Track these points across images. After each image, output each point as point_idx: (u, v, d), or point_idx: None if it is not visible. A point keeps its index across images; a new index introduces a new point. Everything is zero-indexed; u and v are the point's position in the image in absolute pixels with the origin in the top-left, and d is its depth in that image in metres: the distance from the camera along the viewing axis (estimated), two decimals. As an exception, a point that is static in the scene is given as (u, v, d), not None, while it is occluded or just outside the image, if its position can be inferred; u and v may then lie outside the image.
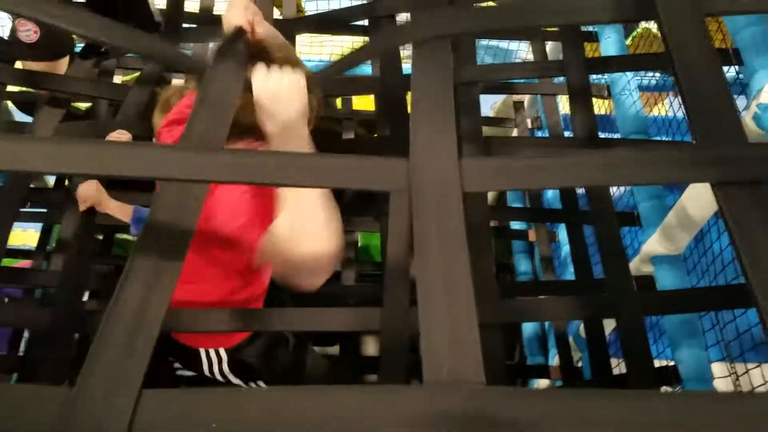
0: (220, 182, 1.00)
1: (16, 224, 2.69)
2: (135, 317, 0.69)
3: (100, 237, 2.83)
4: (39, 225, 2.86)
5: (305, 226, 1.06)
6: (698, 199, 1.64)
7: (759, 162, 0.75)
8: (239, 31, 1.21)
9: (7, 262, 2.82)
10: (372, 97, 3.15)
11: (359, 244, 2.92)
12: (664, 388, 1.66)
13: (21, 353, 2.44)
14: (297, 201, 1.07)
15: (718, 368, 2.10)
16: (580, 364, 2.36)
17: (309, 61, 3.54)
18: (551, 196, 3.06)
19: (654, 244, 1.83)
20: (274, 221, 1.10)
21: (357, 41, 3.31)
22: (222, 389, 0.65)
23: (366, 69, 2.66)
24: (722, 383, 2.05)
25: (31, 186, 3.04)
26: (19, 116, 2.55)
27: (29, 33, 1.78)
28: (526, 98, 3.15)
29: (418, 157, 0.76)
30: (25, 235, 3.17)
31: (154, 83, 2.05)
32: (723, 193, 0.72)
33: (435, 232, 0.69)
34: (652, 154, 0.76)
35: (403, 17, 2.16)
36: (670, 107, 2.45)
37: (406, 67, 1.27)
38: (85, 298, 2.25)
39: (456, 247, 0.68)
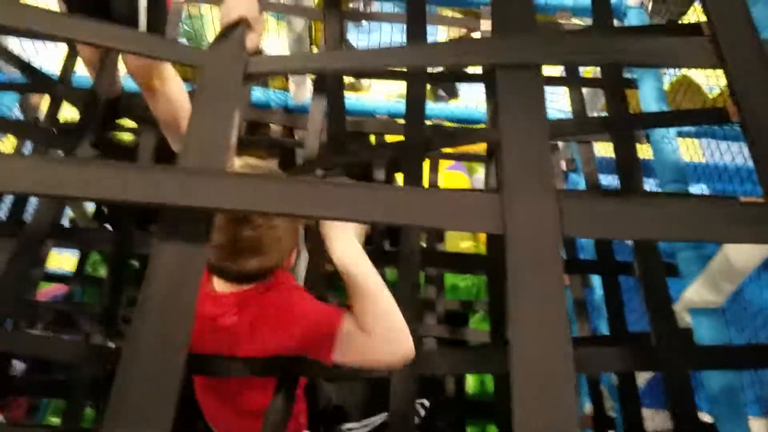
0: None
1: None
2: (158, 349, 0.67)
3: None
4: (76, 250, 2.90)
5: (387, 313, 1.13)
6: (742, 248, 1.60)
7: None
8: (238, 22, 1.08)
9: (43, 285, 2.87)
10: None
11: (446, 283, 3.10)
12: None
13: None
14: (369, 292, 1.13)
15: (756, 425, 2.04)
16: (613, 413, 2.30)
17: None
18: (585, 240, 3.02)
19: (694, 294, 1.79)
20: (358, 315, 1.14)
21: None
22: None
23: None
24: (759, 440, 1.99)
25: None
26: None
27: None
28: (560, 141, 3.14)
29: (512, 193, 0.66)
30: (61, 258, 3.20)
31: None
32: None
33: (531, 283, 0.62)
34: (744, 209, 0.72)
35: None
36: (711, 156, 2.43)
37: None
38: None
39: (554, 298, 0.62)
